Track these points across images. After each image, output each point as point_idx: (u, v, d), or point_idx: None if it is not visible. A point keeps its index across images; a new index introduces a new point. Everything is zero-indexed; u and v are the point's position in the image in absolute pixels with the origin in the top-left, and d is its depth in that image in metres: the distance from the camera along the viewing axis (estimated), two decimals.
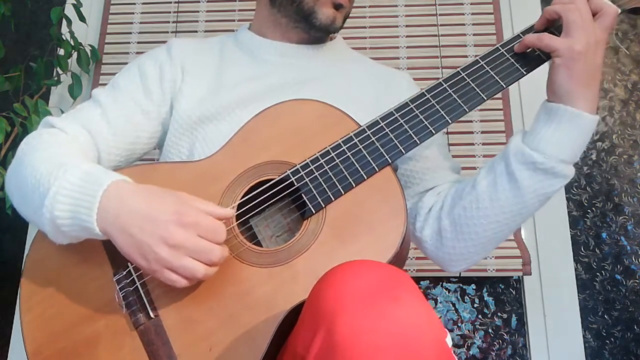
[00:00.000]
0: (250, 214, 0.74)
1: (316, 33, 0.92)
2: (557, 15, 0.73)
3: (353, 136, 0.73)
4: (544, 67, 0.75)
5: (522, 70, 0.74)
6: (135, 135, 0.87)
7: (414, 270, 1.36)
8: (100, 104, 0.86)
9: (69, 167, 0.69)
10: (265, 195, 0.72)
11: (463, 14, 1.54)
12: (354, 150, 0.72)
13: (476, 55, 0.76)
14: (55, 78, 1.47)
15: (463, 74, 0.75)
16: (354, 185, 0.70)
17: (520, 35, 0.75)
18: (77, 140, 0.81)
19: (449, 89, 0.74)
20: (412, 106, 0.73)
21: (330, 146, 0.73)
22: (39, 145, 0.77)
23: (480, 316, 1.41)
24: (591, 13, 0.71)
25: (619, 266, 1.40)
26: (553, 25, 0.75)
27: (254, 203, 0.72)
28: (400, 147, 0.72)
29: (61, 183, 0.67)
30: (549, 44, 0.71)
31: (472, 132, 1.46)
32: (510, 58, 0.74)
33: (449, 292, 1.43)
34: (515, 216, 0.78)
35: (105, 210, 0.65)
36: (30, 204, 0.71)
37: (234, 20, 1.59)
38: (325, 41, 0.97)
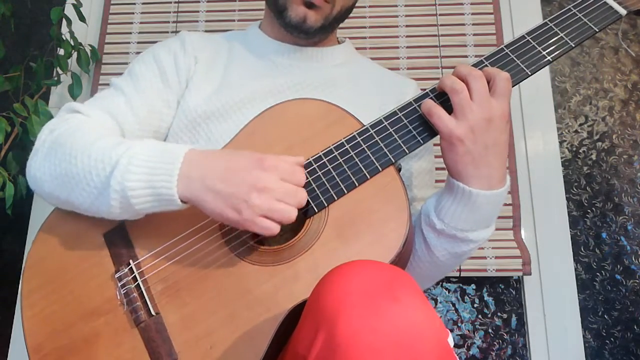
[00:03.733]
0: None
1: (293, 32, 0.89)
2: (445, 91, 0.70)
3: (356, 135, 0.73)
4: (545, 68, 0.74)
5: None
6: (158, 124, 0.87)
7: None
8: (123, 92, 0.85)
9: (131, 142, 0.69)
10: None
11: (463, 14, 1.54)
12: (357, 150, 0.72)
13: (476, 55, 0.76)
14: (55, 78, 1.46)
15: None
16: (357, 185, 0.70)
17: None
18: (105, 127, 0.80)
19: None
20: (415, 106, 0.73)
21: (334, 145, 0.73)
22: (75, 127, 0.75)
23: (480, 316, 1.41)
24: (487, 86, 0.68)
25: (619, 266, 1.41)
26: None
27: None
28: (404, 147, 0.72)
29: (132, 155, 0.66)
30: (435, 123, 0.69)
31: None
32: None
33: (449, 292, 1.43)
34: (435, 267, 0.80)
35: (187, 176, 0.65)
36: (82, 184, 0.69)
37: (234, 20, 1.59)
38: (324, 44, 0.95)
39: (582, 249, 1.42)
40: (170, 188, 0.65)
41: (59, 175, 0.71)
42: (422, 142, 0.72)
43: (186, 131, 0.86)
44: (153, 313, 0.68)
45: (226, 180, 0.64)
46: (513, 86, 0.71)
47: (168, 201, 0.66)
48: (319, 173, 0.71)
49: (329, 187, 0.70)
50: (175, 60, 0.89)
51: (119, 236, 0.73)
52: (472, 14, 1.54)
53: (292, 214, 0.63)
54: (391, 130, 0.73)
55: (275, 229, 0.64)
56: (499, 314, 1.41)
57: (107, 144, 0.69)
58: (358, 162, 0.71)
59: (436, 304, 1.42)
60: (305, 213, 0.71)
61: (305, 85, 0.89)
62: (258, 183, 0.63)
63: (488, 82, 0.69)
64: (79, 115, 0.80)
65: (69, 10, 1.47)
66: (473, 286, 1.43)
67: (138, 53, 1.50)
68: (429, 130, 0.72)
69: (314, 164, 0.72)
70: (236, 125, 0.79)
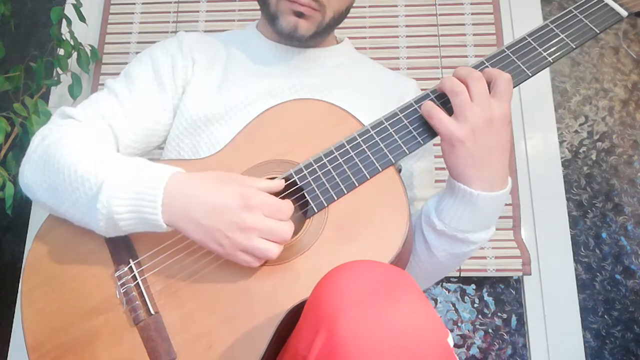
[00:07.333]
0: None
1: (286, 40, 0.89)
2: (444, 92, 0.70)
3: (357, 136, 0.73)
4: (546, 69, 0.74)
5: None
6: (152, 127, 0.86)
7: None
8: (116, 95, 0.85)
9: (117, 161, 0.69)
10: None
11: (463, 14, 1.54)
12: (357, 150, 0.72)
13: (476, 55, 0.76)
14: (55, 78, 1.46)
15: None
16: (357, 185, 0.70)
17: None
18: (98, 133, 0.79)
19: None
20: (415, 107, 0.73)
21: (334, 146, 0.73)
22: (66, 137, 0.75)
23: (480, 316, 1.41)
24: (486, 87, 0.68)
25: (619, 266, 1.41)
26: None
27: None
28: (404, 147, 0.72)
29: (115, 177, 0.66)
30: (435, 124, 0.69)
31: None
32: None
33: (449, 292, 1.43)
34: (435, 267, 0.80)
35: (170, 203, 0.65)
36: (71, 200, 0.70)
37: (234, 20, 1.59)
38: (322, 45, 0.95)
39: (582, 249, 1.42)
40: (155, 214, 0.65)
41: (49, 186, 0.72)
42: (422, 142, 0.72)
43: (187, 134, 0.86)
44: (152, 312, 0.68)
45: (209, 214, 0.64)
46: (514, 87, 0.71)
47: (154, 225, 0.67)
48: (319, 173, 0.71)
49: (329, 187, 0.70)
50: (172, 62, 0.89)
51: (119, 235, 0.73)
52: (472, 14, 1.54)
53: (272, 252, 0.64)
54: (391, 130, 0.72)
55: (255, 264, 0.65)
56: (499, 314, 1.41)
57: (94, 161, 0.70)
58: (358, 162, 0.71)
59: (436, 304, 1.42)
60: (305, 213, 0.72)
61: (304, 86, 0.89)
62: (241, 223, 0.63)
63: (489, 83, 0.69)
64: (72, 122, 0.79)
65: (69, 10, 1.47)
66: (473, 286, 1.43)
67: (138, 53, 1.50)
68: (429, 131, 0.72)
69: (314, 164, 0.72)
70: (237, 127, 0.79)
